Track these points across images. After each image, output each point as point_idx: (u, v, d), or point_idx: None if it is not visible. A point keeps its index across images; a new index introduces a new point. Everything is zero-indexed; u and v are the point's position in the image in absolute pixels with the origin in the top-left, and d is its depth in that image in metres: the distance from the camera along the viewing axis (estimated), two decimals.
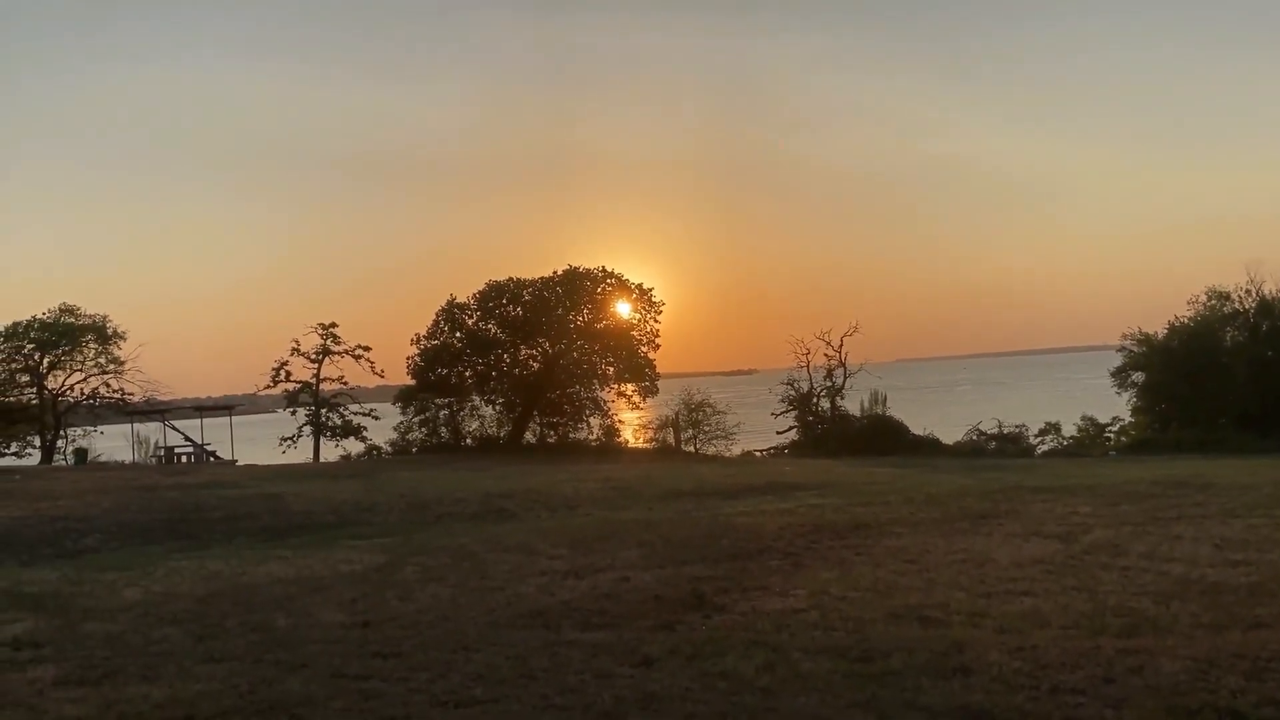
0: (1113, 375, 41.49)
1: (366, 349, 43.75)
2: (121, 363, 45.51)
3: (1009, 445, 37.58)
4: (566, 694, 6.57)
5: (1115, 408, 40.95)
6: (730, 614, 9.09)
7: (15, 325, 44.12)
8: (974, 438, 38.72)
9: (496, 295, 41.75)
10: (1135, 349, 40.87)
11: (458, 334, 41.88)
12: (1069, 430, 39.41)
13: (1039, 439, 38.81)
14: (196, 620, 9.60)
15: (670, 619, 8.87)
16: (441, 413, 42.04)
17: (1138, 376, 40.72)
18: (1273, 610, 8.45)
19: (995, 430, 38.96)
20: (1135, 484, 19.14)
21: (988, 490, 19.20)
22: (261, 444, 44.48)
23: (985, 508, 16.21)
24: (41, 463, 42.52)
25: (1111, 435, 39.34)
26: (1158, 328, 40.87)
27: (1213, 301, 40.33)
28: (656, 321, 42.31)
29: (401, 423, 42.13)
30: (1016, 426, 39.30)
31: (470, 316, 41.93)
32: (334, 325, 43.64)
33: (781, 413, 42.57)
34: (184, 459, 42.08)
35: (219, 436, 44.72)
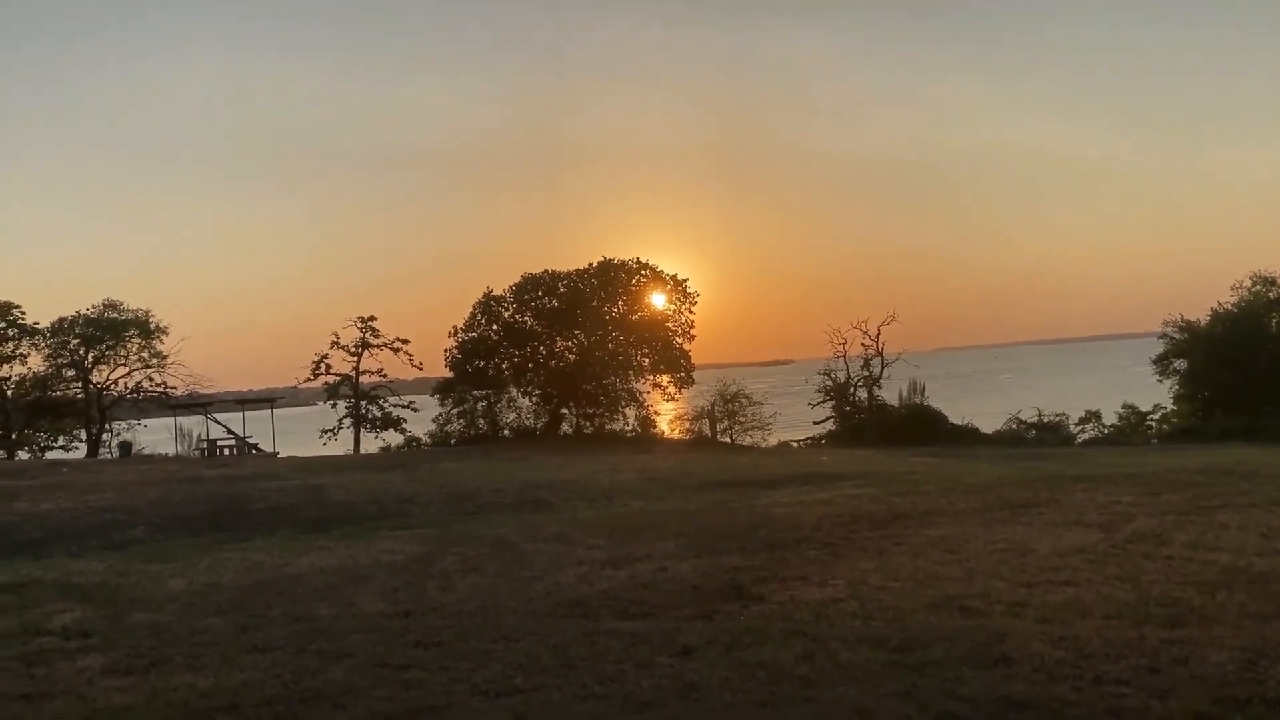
0: (1154, 363, 41.00)
1: (405, 342, 44.18)
2: (164, 357, 46.16)
3: (1049, 434, 37.26)
4: (606, 683, 6.60)
5: (1157, 395, 40.48)
6: (769, 604, 9.08)
7: (61, 321, 44.90)
8: (1014, 427, 38.43)
9: (532, 287, 41.93)
10: (1177, 336, 40.34)
11: (494, 326, 42.13)
12: (1110, 419, 39.00)
13: (1079, 427, 38.46)
14: (240, 610, 9.72)
15: (708, 609, 8.87)
16: (479, 404, 42.30)
17: (1180, 364, 40.19)
18: None
19: (1035, 419, 38.64)
20: (1178, 472, 18.87)
21: (1028, 479, 19.01)
22: (302, 436, 45.00)
23: (1025, 497, 16.05)
24: (88, 456, 43.23)
25: (1153, 423, 38.92)
26: (1200, 314, 40.35)
27: (1258, 287, 39.75)
28: (691, 312, 42.38)
29: (440, 414, 42.45)
30: (1057, 415, 38.95)
31: (507, 309, 42.17)
32: (373, 319, 44.08)
33: (818, 403, 42.40)
34: (226, 451, 42.62)
35: (261, 429, 45.21)
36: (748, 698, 6.21)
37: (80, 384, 45.46)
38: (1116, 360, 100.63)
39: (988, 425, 39.43)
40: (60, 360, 45.00)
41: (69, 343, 44.94)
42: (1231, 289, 40.25)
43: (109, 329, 45.14)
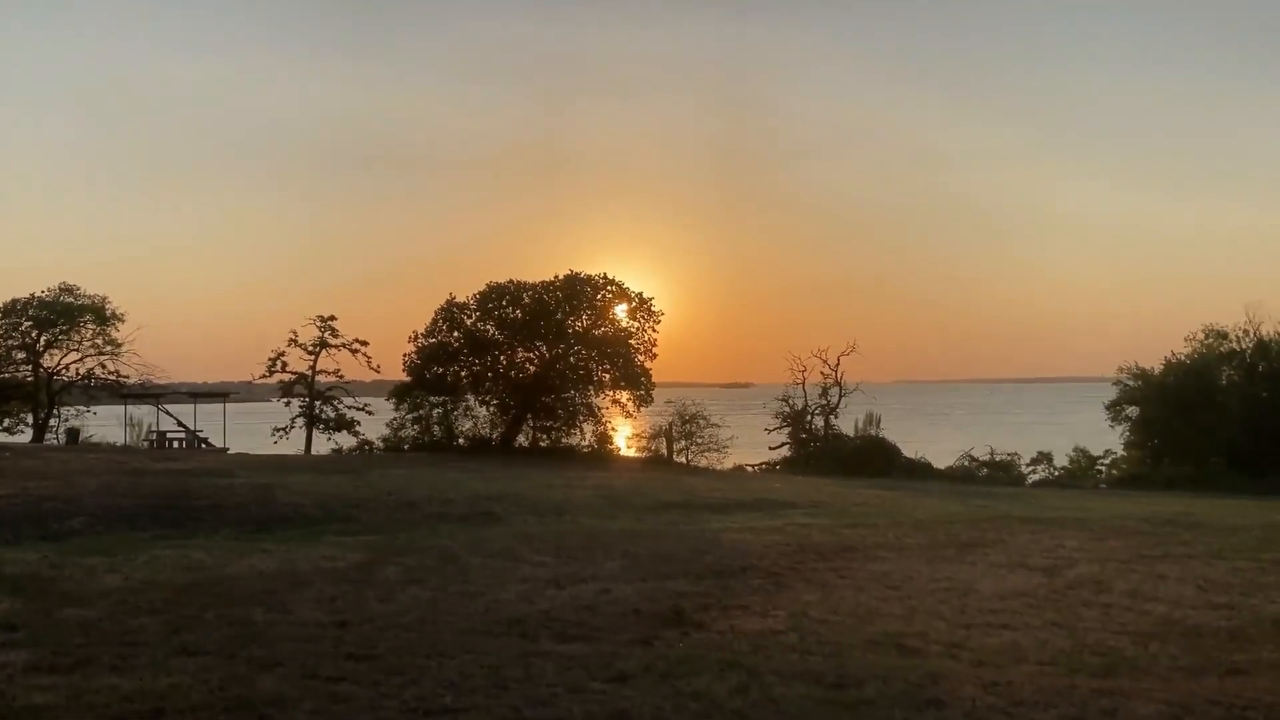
0: (1107, 409, 41.58)
1: (364, 343, 43.82)
2: (118, 344, 45.50)
3: (1000, 473, 37.63)
4: (537, 707, 6.54)
5: (1108, 440, 41.04)
6: (708, 632, 9.07)
7: (14, 302, 44.12)
8: (966, 464, 38.75)
9: (496, 296, 41.71)
10: (1131, 383, 40.96)
11: (456, 333, 41.82)
12: (1061, 460, 39.47)
13: (1030, 468, 38.87)
14: (174, 611, 9.56)
15: (648, 634, 8.85)
16: (435, 411, 41.97)
17: (1132, 411, 40.81)
18: (1251, 656, 8.44)
19: (987, 457, 39.00)
20: (1124, 519, 19.12)
21: (976, 518, 19.17)
22: (254, 433, 44.47)
23: (972, 536, 16.18)
24: (33, 441, 42.46)
25: (1103, 468, 39.43)
26: (1154, 363, 41.03)
27: (1210, 340, 40.51)
28: (655, 331, 42.32)
29: (395, 419, 42.06)
30: (1009, 455, 39.35)
31: (469, 316, 41.88)
32: (332, 318, 43.68)
33: (775, 428, 42.58)
34: (175, 444, 42.05)
35: (212, 423, 44.67)
36: None
37: (30, 367, 44.67)
38: (1074, 402, 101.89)
39: (941, 460, 39.76)
40: (10, 342, 44.22)
41: (21, 324, 44.16)
42: (1185, 340, 41.08)
43: (63, 313, 44.42)
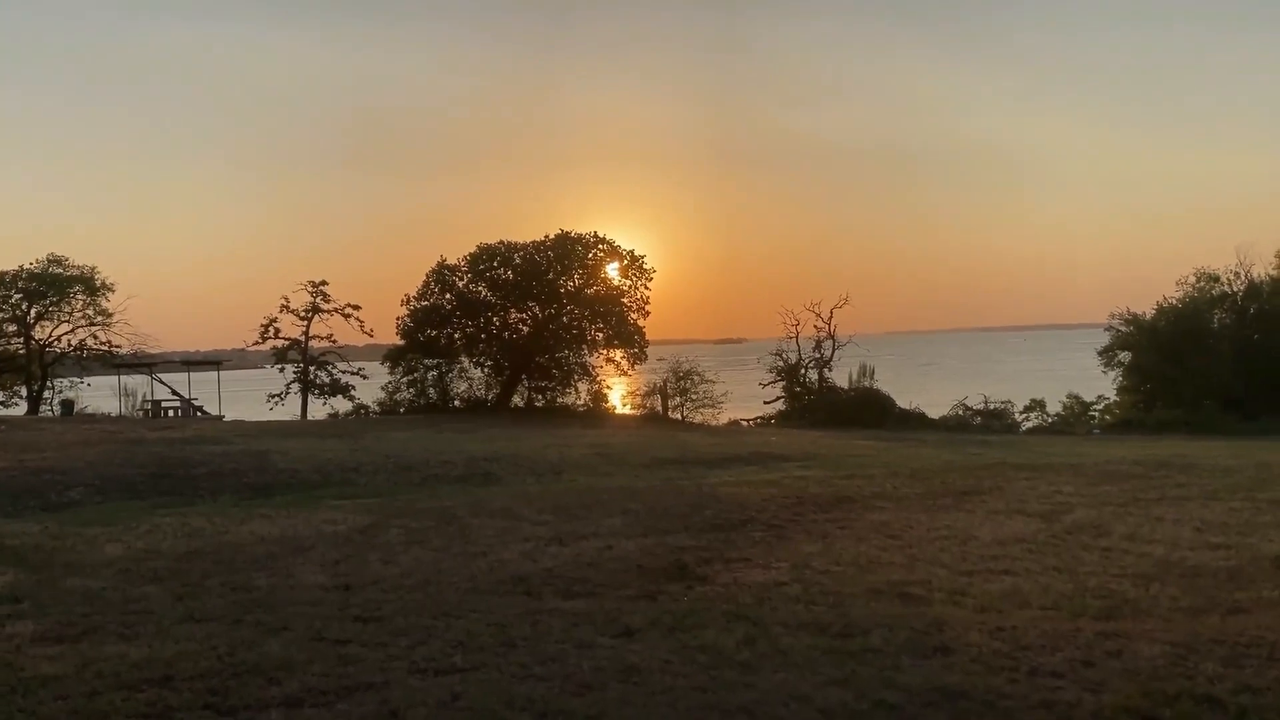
0: (1099, 354, 41.66)
1: (356, 308, 43.64)
2: (109, 315, 45.27)
3: (994, 421, 37.73)
4: (546, 663, 6.57)
5: (1101, 386, 41.15)
6: (712, 585, 9.12)
7: (2, 275, 43.79)
8: (960, 413, 38.85)
9: (487, 258, 41.51)
10: (1123, 329, 41.02)
11: (448, 295, 41.69)
12: (1054, 407, 39.58)
13: (1024, 415, 38.97)
14: (177, 578, 9.57)
15: (652, 589, 8.88)
16: (430, 374, 41.94)
17: (1124, 356, 40.90)
18: (1251, 595, 8.51)
19: (981, 406, 39.09)
20: (1118, 463, 19.23)
21: (972, 466, 19.26)
22: (249, 400, 44.38)
23: (969, 484, 16.26)
24: (28, 413, 42.36)
25: (1096, 414, 39.55)
26: (1146, 308, 41.07)
27: (1201, 283, 40.52)
28: (647, 288, 42.23)
29: (390, 382, 42.03)
30: (1002, 403, 39.44)
31: (461, 278, 41.72)
32: (324, 283, 43.47)
33: (769, 383, 42.63)
34: (171, 413, 41.96)
35: (206, 391, 44.55)
36: (687, 682, 6.21)
37: (22, 340, 44.48)
38: (1066, 349, 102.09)
39: (935, 410, 39.83)
40: (1, 315, 43.98)
41: (11, 297, 43.89)
42: (1176, 284, 41.06)
43: (53, 284, 44.12)
